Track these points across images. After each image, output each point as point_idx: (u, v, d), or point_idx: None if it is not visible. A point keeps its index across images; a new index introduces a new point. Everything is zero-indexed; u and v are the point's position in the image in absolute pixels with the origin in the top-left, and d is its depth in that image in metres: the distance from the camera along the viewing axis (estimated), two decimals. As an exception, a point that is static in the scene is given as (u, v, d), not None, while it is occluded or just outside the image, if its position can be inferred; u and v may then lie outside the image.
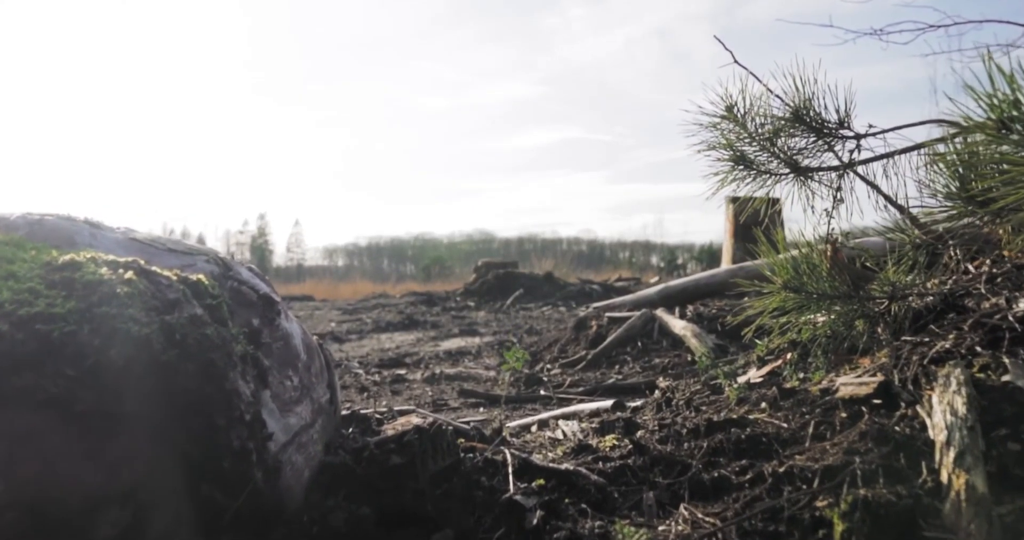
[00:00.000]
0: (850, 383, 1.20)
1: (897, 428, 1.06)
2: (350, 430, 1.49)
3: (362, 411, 1.60)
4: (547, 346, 4.14)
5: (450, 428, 1.34)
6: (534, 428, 1.78)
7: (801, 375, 1.39)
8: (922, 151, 1.74)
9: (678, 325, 3.59)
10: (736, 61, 2.06)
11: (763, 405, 1.30)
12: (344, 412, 1.62)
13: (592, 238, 57.35)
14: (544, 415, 2.01)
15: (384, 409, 1.58)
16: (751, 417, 1.25)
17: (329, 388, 1.30)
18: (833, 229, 1.60)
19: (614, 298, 9.24)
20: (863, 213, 1.90)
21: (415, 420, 1.36)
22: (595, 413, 1.75)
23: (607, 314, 4.06)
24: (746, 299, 4.52)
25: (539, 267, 19.44)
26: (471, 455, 1.27)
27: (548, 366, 3.76)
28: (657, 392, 1.93)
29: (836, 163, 1.75)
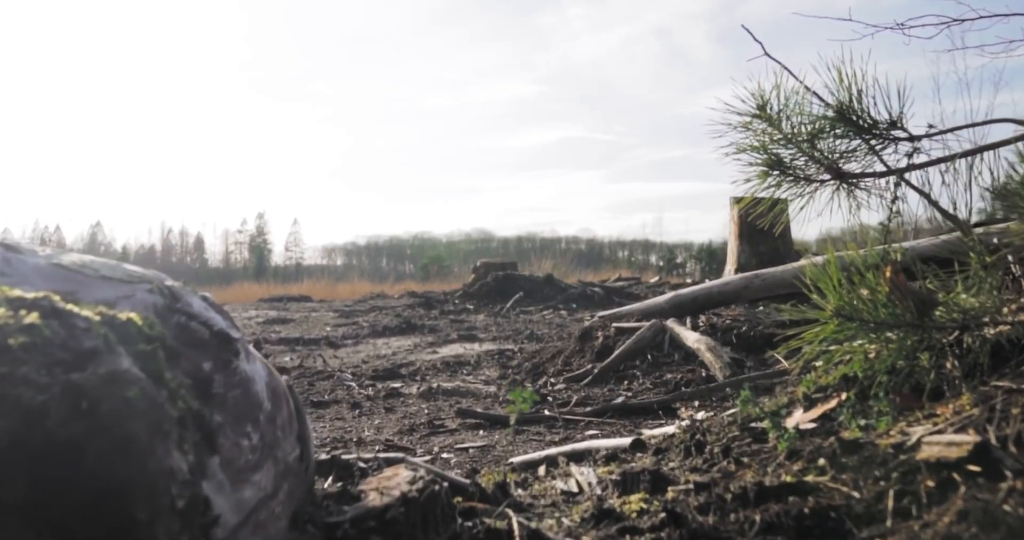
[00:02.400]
0: (935, 442, 0.98)
1: (1007, 507, 0.84)
2: (327, 485, 1.27)
3: (344, 456, 1.38)
4: (550, 357, 3.92)
5: (445, 487, 1.12)
6: (541, 471, 1.56)
7: (862, 422, 1.18)
8: (987, 154, 1.53)
9: (691, 337, 3.37)
10: (767, 53, 1.84)
11: (821, 462, 1.08)
12: (324, 456, 1.41)
13: (591, 237, 57.19)
14: (552, 450, 1.79)
15: (369, 456, 1.37)
16: (809, 479, 1.03)
17: (299, 441, 1.08)
18: (891, 245, 1.38)
19: (616, 300, 9.02)
20: (915, 221, 1.69)
21: (403, 479, 1.14)
22: (612, 456, 1.53)
23: (614, 324, 3.84)
24: (761, 308, 4.25)
25: (538, 267, 19.22)
26: (469, 523, 1.06)
27: (552, 380, 3.54)
28: (680, 423, 1.72)
29: (889, 167, 1.53)
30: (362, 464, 1.33)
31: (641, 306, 4.19)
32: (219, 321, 1.03)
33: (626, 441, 1.59)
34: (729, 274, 7.09)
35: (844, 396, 1.29)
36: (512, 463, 1.79)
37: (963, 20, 4.31)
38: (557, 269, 18.05)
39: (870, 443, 1.09)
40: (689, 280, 14.27)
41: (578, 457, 1.68)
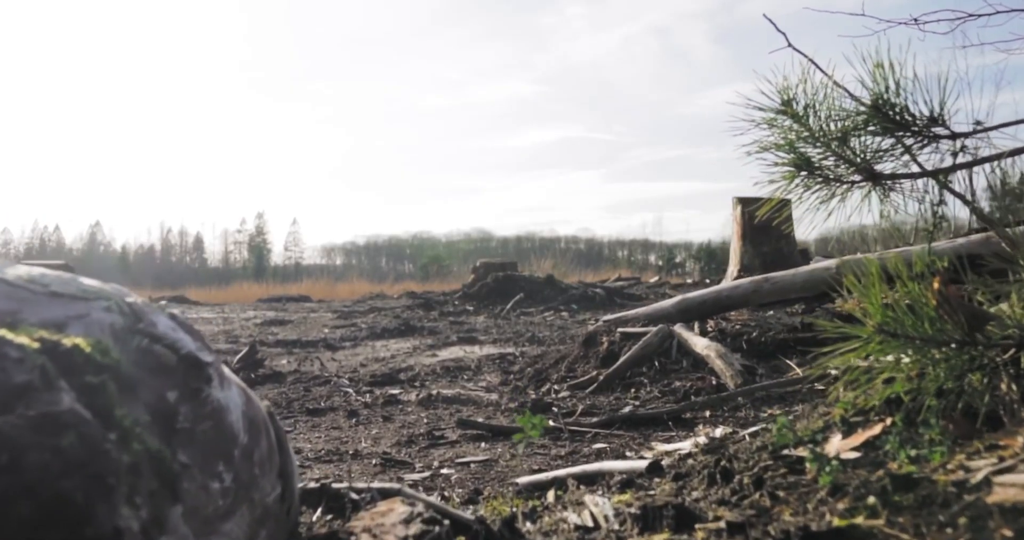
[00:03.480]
0: (1009, 483, 0.85)
1: (1106, 567, 0.71)
2: (315, 518, 1.14)
3: (334, 485, 1.26)
4: (553, 363, 3.80)
5: (446, 526, 1.00)
6: (550, 497, 1.44)
7: (912, 452, 1.05)
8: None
9: (700, 343, 3.25)
10: (790, 45, 1.72)
11: (871, 500, 0.96)
12: (312, 485, 1.28)
13: (590, 237, 57.00)
14: (561, 471, 1.67)
15: (362, 486, 1.24)
16: (860, 522, 0.91)
17: (281, 478, 0.95)
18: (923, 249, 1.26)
19: (618, 302, 8.89)
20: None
21: (399, 516, 1.01)
22: (628, 481, 1.41)
23: (619, 329, 3.71)
24: (771, 312, 4.11)
25: (538, 267, 19.11)
26: (474, 572, 0.93)
27: (556, 387, 3.42)
28: (696, 441, 1.59)
29: (931, 167, 1.41)
30: (354, 495, 1.20)
31: (647, 310, 4.06)
32: (188, 343, 0.90)
33: (642, 464, 1.46)
34: (732, 275, 6.97)
35: (890, 421, 1.16)
36: (518, 484, 1.67)
37: (979, 15, 4.18)
38: (557, 269, 17.94)
39: (926, 479, 0.96)
40: (689, 280, 14.18)
41: (590, 480, 1.56)
